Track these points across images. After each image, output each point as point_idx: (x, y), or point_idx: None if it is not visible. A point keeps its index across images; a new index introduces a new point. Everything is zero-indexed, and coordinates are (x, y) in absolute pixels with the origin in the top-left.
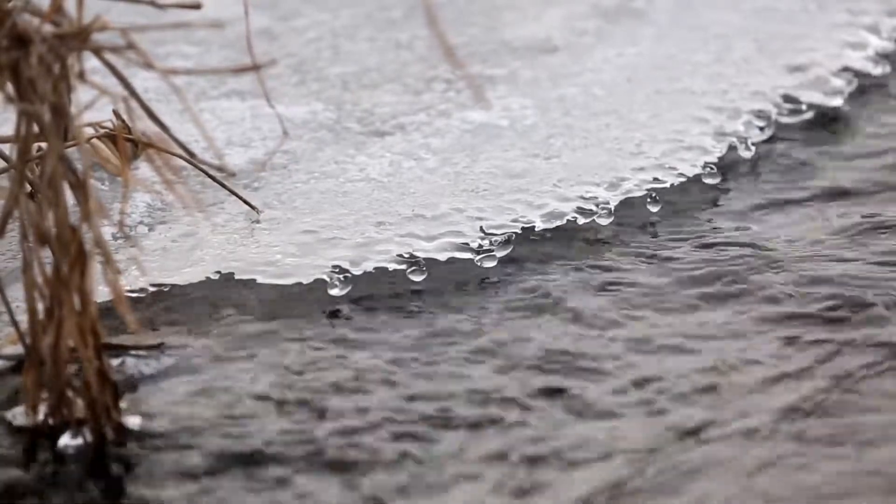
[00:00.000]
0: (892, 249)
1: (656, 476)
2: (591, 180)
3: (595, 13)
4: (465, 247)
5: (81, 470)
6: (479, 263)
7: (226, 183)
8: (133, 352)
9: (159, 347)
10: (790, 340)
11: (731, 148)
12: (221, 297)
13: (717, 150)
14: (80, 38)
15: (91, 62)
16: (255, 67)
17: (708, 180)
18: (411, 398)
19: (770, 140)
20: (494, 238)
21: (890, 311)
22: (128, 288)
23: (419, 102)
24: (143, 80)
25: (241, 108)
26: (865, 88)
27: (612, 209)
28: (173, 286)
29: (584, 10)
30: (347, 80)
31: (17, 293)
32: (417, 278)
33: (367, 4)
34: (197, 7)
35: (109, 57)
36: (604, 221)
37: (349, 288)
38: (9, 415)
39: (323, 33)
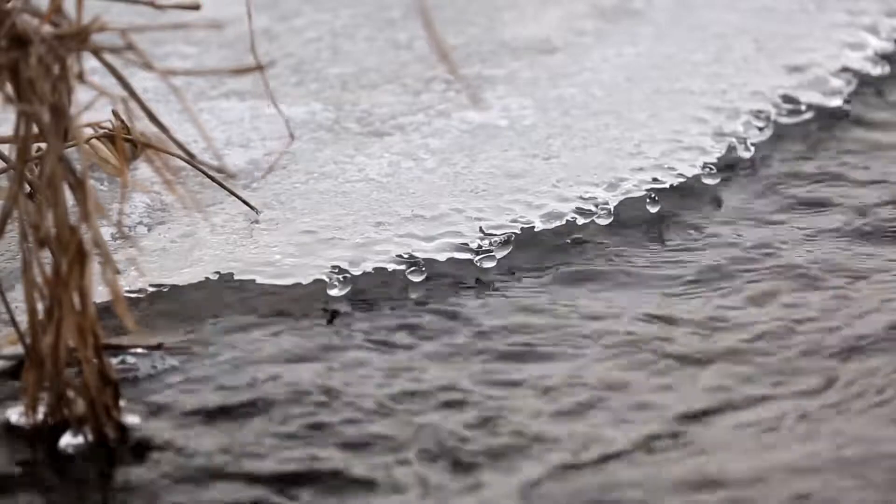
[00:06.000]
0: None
1: None
2: (591, 181)
3: (594, 13)
4: (464, 247)
5: (82, 469)
6: (478, 264)
7: (225, 183)
8: (132, 351)
9: (158, 347)
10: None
11: (731, 148)
12: (220, 297)
13: (717, 151)
14: (79, 38)
15: (90, 62)
16: (254, 68)
17: (707, 181)
18: (413, 397)
19: (769, 140)
20: (493, 238)
21: None
22: (127, 288)
23: (418, 103)
24: (142, 81)
25: (240, 109)
26: (864, 89)
27: (612, 209)
28: (172, 286)
29: (583, 10)
30: (346, 81)
31: (17, 293)
32: (417, 279)
33: (367, 4)
34: (196, 7)
35: (108, 57)
36: (603, 222)
37: (348, 288)
38: (9, 414)
39: (322, 33)
